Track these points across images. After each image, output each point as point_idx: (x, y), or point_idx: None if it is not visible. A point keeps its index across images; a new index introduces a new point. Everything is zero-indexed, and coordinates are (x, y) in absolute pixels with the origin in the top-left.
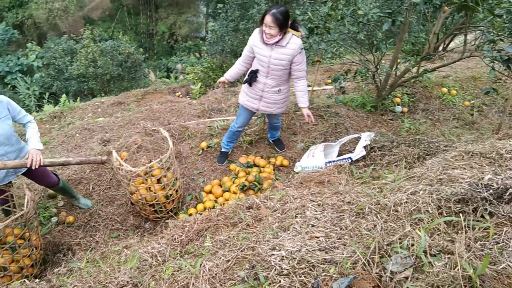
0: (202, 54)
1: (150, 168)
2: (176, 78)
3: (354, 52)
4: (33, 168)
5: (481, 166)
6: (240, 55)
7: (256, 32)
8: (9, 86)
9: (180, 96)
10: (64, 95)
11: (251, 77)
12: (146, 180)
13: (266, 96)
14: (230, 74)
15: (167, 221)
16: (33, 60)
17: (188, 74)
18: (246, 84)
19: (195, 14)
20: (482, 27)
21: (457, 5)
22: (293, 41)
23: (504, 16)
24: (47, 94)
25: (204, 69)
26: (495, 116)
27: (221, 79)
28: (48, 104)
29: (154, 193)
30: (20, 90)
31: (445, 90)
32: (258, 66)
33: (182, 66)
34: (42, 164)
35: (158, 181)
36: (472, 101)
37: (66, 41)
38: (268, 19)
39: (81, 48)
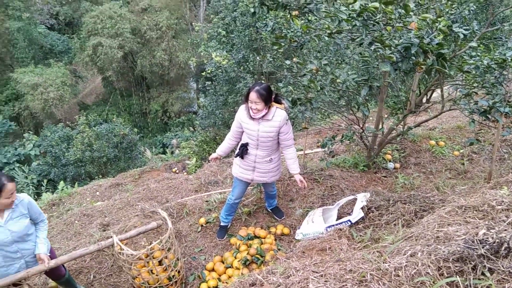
0: (195, 128)
1: (151, 250)
2: (172, 153)
3: (339, 115)
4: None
5: (475, 220)
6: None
7: (242, 108)
8: None
9: (177, 171)
10: (62, 182)
11: (242, 150)
12: (148, 263)
13: (259, 166)
14: (222, 149)
15: None
16: (31, 149)
17: (183, 148)
18: (238, 157)
19: (185, 90)
20: (458, 82)
21: (425, 68)
22: (278, 113)
23: (474, 72)
24: (45, 181)
25: (198, 143)
26: (486, 163)
27: (213, 155)
28: (46, 192)
29: (157, 275)
30: (18, 180)
31: (433, 142)
32: (248, 140)
33: (177, 140)
34: (48, 267)
35: (160, 263)
36: (461, 151)
37: (62, 128)
38: (253, 95)
39: (77, 134)
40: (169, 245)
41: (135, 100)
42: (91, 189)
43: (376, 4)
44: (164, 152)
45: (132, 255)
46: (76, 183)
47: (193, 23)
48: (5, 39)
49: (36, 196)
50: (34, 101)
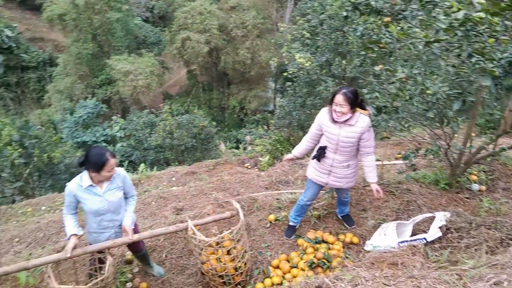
0: (269, 127)
1: (221, 239)
2: (244, 149)
3: (423, 127)
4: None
5: None
6: (307, 128)
7: (325, 111)
8: None
9: (249, 167)
10: (142, 164)
11: (320, 153)
12: (217, 250)
13: (335, 171)
14: (298, 151)
15: None
16: (117, 131)
17: (257, 145)
18: (314, 159)
19: (264, 89)
20: None
21: None
22: (362, 119)
23: None
24: (127, 162)
25: (272, 141)
26: None
27: (289, 156)
28: (127, 172)
29: (224, 264)
30: None
31: None
32: (327, 143)
33: (251, 137)
34: (132, 240)
35: (228, 252)
36: None
37: (146, 115)
38: (339, 98)
39: (160, 121)
40: (238, 237)
41: (215, 95)
42: (168, 174)
43: (482, 14)
44: (237, 147)
45: (203, 241)
46: (155, 167)
47: (278, 24)
48: (105, 28)
49: None
50: (124, 87)
